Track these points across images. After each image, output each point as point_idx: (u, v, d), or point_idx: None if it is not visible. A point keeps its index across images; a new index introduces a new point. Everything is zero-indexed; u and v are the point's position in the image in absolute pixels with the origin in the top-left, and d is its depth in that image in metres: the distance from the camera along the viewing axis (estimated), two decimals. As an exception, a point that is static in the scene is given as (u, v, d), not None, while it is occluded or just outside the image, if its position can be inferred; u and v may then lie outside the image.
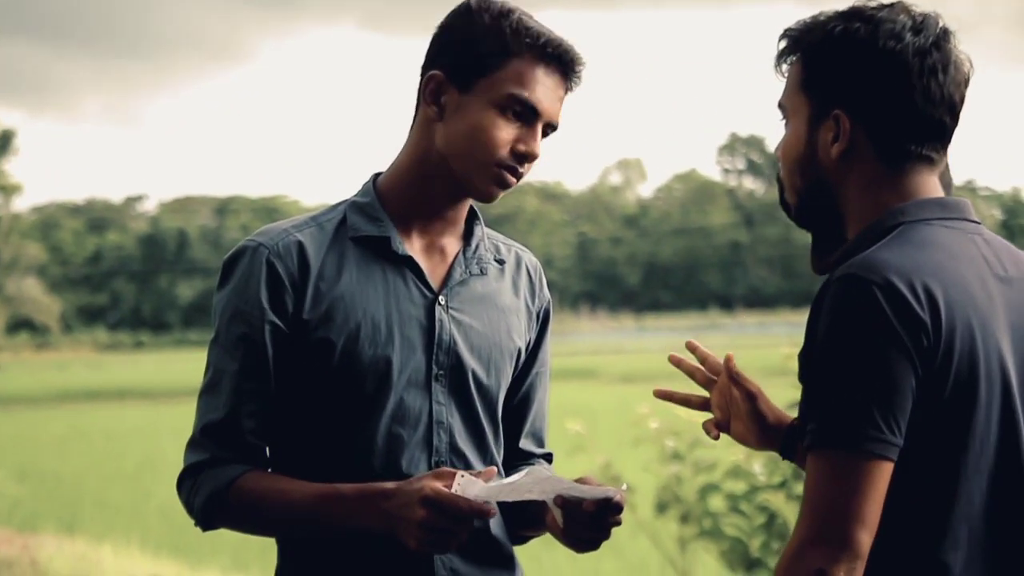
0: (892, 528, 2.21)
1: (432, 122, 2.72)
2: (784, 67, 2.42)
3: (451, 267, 2.78)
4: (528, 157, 2.69)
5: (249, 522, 2.68)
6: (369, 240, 2.73)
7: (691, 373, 2.75)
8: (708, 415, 2.74)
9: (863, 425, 2.16)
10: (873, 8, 2.35)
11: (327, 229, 2.74)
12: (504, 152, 2.67)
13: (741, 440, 2.67)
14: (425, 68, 2.74)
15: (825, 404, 2.19)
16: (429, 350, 2.72)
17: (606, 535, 2.63)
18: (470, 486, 2.49)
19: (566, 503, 2.58)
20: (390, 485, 2.56)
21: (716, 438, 2.71)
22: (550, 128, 2.72)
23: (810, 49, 2.37)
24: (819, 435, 2.19)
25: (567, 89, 2.73)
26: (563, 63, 2.69)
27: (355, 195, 2.80)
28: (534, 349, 2.91)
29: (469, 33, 2.68)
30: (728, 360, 2.66)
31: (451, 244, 2.80)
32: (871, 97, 2.32)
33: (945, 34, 2.33)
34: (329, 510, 2.59)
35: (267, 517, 2.65)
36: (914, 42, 2.30)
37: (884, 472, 2.17)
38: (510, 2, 2.72)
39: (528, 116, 2.68)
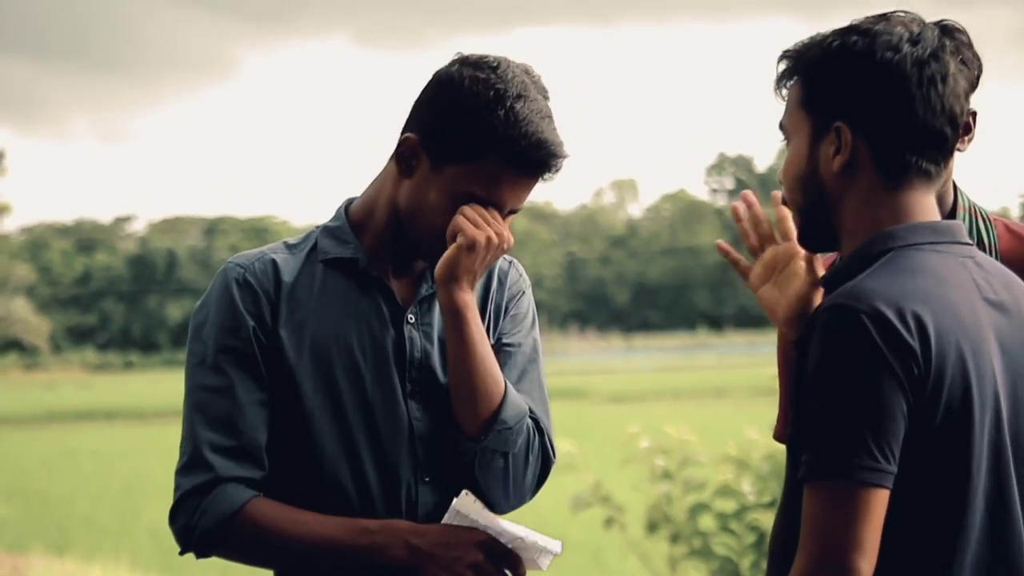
0: (899, 556, 2.22)
1: (401, 176, 2.74)
2: (784, 90, 2.42)
3: (418, 284, 2.80)
4: None
5: (256, 551, 2.67)
6: (339, 262, 2.77)
7: (745, 234, 2.62)
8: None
9: (857, 455, 2.17)
10: (870, 22, 2.36)
11: (299, 254, 2.79)
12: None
13: (767, 306, 2.57)
14: (409, 122, 2.73)
15: (819, 435, 2.20)
16: (402, 367, 2.74)
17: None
18: (471, 505, 2.62)
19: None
20: (419, 526, 2.65)
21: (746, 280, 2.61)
22: (512, 212, 2.74)
23: (809, 67, 2.38)
24: (814, 466, 2.20)
25: (540, 180, 2.72)
26: (541, 166, 2.68)
27: (328, 221, 2.84)
28: (502, 327, 2.84)
29: (455, 115, 2.66)
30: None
31: (419, 263, 2.81)
32: (871, 107, 2.32)
33: (943, 46, 2.33)
34: (352, 542, 2.62)
35: (279, 546, 2.65)
36: (912, 53, 2.31)
37: (880, 500, 2.18)
38: (508, 84, 2.66)
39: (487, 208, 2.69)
